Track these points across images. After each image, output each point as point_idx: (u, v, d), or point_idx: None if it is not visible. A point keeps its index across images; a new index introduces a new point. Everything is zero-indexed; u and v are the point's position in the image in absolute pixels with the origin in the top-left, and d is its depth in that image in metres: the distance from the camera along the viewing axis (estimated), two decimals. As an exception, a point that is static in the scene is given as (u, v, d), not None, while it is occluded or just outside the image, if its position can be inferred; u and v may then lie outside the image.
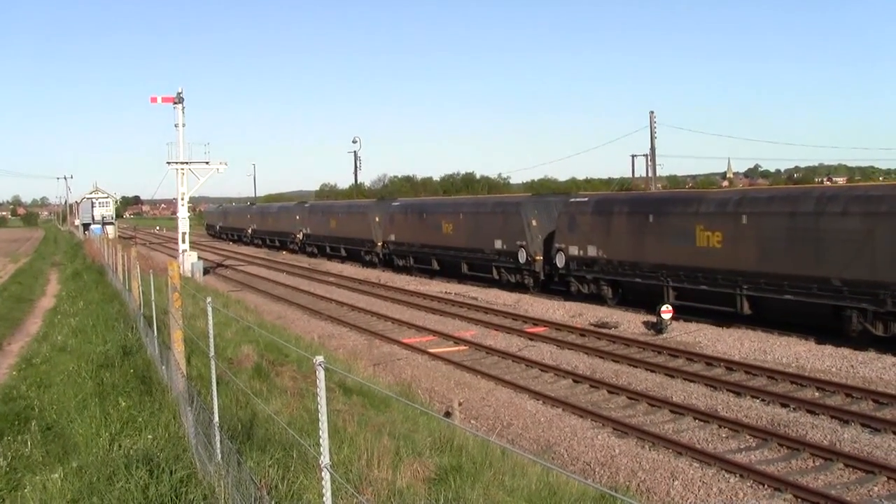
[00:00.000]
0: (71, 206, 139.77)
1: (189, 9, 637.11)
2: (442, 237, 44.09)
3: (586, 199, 35.04)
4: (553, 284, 35.98)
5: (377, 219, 53.45)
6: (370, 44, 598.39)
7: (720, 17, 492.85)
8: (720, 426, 16.22)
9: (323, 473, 5.15)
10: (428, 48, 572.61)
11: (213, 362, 8.66)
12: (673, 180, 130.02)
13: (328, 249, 63.17)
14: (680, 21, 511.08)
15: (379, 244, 52.83)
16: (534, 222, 36.36)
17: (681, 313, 26.96)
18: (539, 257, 35.81)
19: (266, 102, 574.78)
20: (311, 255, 65.59)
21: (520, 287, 37.16)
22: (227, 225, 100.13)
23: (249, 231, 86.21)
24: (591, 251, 32.19)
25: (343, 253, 59.95)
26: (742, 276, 25.44)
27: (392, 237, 50.85)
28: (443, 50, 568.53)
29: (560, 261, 33.83)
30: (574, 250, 33.05)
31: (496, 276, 38.89)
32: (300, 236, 68.59)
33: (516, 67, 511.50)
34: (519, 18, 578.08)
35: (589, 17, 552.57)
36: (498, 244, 38.31)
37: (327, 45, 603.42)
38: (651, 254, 29.34)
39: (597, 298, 32.46)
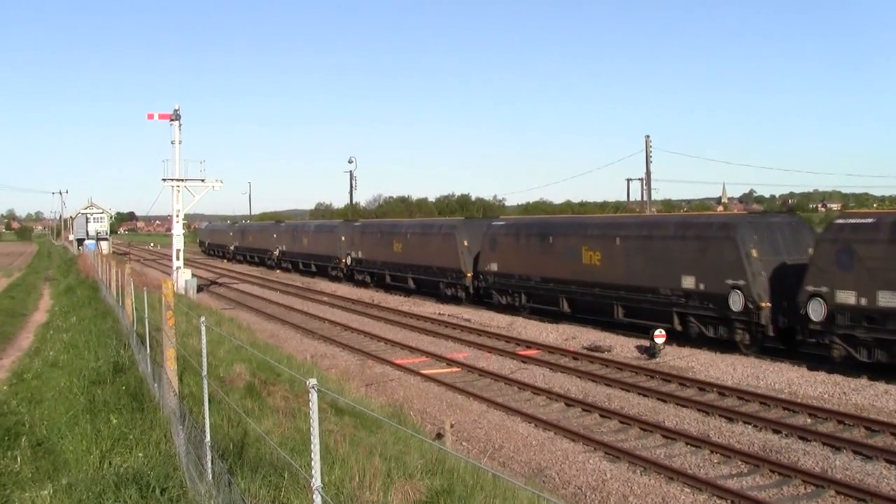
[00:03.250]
0: (65, 220, 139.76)
1: (187, 26, 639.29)
2: (580, 269, 32.48)
3: (873, 220, 23.62)
4: (771, 340, 25.73)
5: (465, 242, 41.48)
6: (366, 64, 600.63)
7: (716, 43, 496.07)
8: (712, 451, 16.21)
9: (314, 496, 5.14)
10: (424, 70, 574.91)
11: (205, 382, 8.64)
12: (668, 205, 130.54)
13: (388, 279, 50.88)
14: (676, 46, 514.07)
15: (468, 274, 41.16)
16: (754, 252, 25.68)
17: None
18: (765, 303, 24.92)
19: (262, 121, 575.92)
20: (362, 284, 54.54)
21: (727, 345, 26.19)
22: (244, 245, 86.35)
23: (276, 253, 73.41)
24: (885, 299, 21.90)
25: (410, 284, 48.14)
26: None
27: (492, 266, 38.55)
28: (439, 72, 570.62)
29: (816, 312, 23.24)
30: (846, 297, 22.64)
31: (678, 327, 28.01)
32: (347, 261, 56.98)
33: (512, 90, 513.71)
34: (514, 41, 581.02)
35: (585, 40, 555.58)
36: (688, 282, 27.40)
37: (324, 65, 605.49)
38: None
39: (882, 371, 21.98)
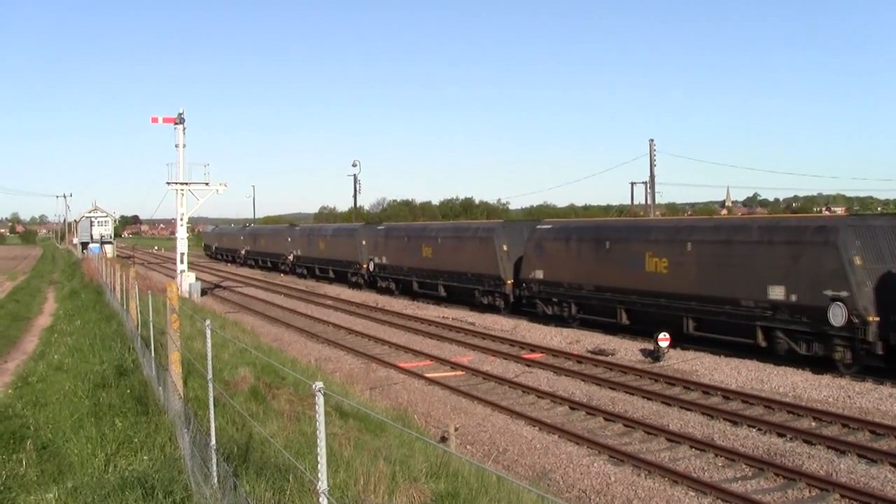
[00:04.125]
0: (70, 224, 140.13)
1: (191, 30, 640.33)
2: (643, 278, 29.29)
3: None
4: (876, 359, 22.84)
5: (505, 247, 38.45)
6: (371, 68, 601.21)
7: (720, 47, 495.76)
8: (717, 455, 16.19)
9: (321, 499, 5.14)
10: (428, 74, 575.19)
11: (210, 385, 8.65)
12: (672, 208, 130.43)
13: (416, 286, 47.46)
14: (680, 49, 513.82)
15: (508, 282, 38.08)
16: (857, 259, 22.68)
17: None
18: (873, 318, 22.04)
19: (266, 125, 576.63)
20: (386, 291, 51.19)
21: (824, 364, 23.40)
22: (256, 249, 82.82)
23: (290, 258, 70.13)
24: None
25: (441, 292, 44.62)
26: None
27: (537, 273, 35.26)
28: (442, 76, 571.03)
29: None
30: None
31: (762, 342, 25.11)
32: (369, 267, 53.40)
33: (515, 93, 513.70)
34: (519, 46, 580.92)
35: (589, 44, 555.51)
36: (776, 293, 24.36)
37: (328, 69, 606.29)
38: None
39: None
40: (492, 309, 39.05)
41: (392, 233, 52.48)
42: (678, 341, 27.40)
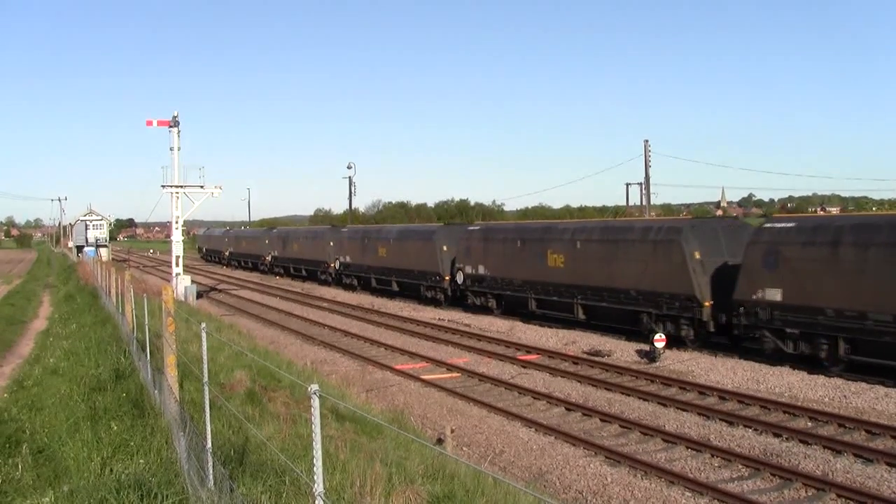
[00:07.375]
0: (65, 227, 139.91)
1: (186, 32, 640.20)
2: None
3: None
4: None
5: (697, 254, 27.57)
6: (365, 70, 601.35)
7: (716, 47, 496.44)
8: (713, 455, 16.21)
9: (317, 502, 5.14)
10: (422, 75, 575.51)
11: (206, 388, 8.64)
12: (667, 209, 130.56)
13: (533, 304, 35.94)
14: (675, 50, 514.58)
15: (706, 304, 27.03)
16: None
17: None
18: None
19: (260, 127, 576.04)
20: (483, 310, 39.95)
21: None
22: (286, 255, 71.01)
23: (333, 266, 58.83)
24: None
25: (578, 314, 32.94)
26: None
27: (769, 293, 24.29)
28: (436, 77, 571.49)
29: None
30: None
31: None
32: (456, 278, 42.12)
33: (509, 95, 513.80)
34: (512, 46, 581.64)
35: (584, 44, 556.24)
36: None
37: (322, 71, 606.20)
38: None
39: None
40: (675, 342, 27.75)
41: (494, 235, 40.44)
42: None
